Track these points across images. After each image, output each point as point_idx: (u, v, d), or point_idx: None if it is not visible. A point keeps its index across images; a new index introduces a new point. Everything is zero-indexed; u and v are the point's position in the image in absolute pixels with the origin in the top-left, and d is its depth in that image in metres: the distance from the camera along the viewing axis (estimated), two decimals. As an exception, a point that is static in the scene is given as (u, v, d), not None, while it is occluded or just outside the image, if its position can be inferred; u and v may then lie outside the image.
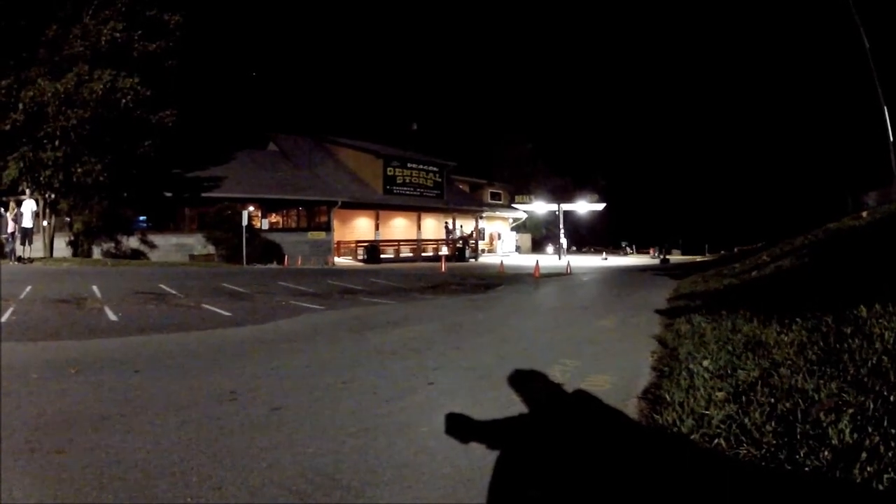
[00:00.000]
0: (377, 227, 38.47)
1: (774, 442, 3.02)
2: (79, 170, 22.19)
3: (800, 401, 3.40)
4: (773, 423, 3.23)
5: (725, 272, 15.59)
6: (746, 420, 3.34)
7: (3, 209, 22.54)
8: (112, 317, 9.34)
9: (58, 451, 3.47)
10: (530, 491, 2.99)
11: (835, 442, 2.82)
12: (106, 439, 3.71)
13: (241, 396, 4.77)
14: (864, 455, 2.63)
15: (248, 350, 7.01)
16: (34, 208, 20.88)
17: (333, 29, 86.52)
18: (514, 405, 4.37)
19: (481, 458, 3.32)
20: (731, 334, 5.80)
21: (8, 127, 21.33)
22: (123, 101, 22.43)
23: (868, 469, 2.54)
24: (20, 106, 21.28)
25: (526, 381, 5.01)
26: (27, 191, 21.90)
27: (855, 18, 18.31)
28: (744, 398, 3.72)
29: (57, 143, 21.98)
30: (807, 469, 2.72)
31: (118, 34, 22.68)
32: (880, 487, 2.42)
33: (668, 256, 44.52)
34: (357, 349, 7.11)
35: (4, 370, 5.50)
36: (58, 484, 3.02)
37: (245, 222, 26.44)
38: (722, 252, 41.59)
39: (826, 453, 2.75)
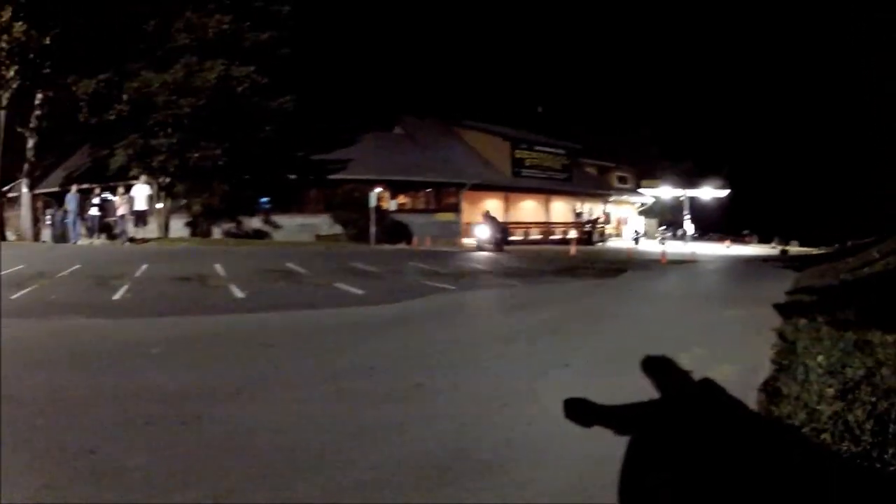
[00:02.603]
0: (506, 210, 38.10)
1: (871, 440, 3.20)
2: (195, 155, 22.57)
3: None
4: (871, 422, 3.40)
5: (839, 266, 14.92)
6: (850, 417, 3.51)
7: (110, 193, 22.95)
8: (238, 294, 9.63)
9: (182, 423, 3.64)
10: (660, 473, 3.16)
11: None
12: (237, 412, 3.91)
13: (380, 372, 4.97)
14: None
15: (384, 327, 7.29)
16: (148, 192, 21.50)
17: (462, 11, 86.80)
18: (645, 390, 4.46)
19: (614, 443, 3.37)
20: (843, 331, 5.77)
21: (113, 117, 21.94)
22: (239, 88, 22.88)
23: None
24: (124, 97, 21.78)
25: (656, 367, 5.03)
26: (142, 175, 22.30)
27: None
28: (850, 395, 3.86)
29: (169, 130, 22.42)
30: (891, 469, 2.92)
31: (226, 26, 22.97)
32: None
33: (787, 248, 42.28)
34: (493, 329, 7.42)
35: (125, 344, 5.88)
36: (179, 456, 3.19)
37: (373, 203, 26.82)
38: (836, 245, 39.05)
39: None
